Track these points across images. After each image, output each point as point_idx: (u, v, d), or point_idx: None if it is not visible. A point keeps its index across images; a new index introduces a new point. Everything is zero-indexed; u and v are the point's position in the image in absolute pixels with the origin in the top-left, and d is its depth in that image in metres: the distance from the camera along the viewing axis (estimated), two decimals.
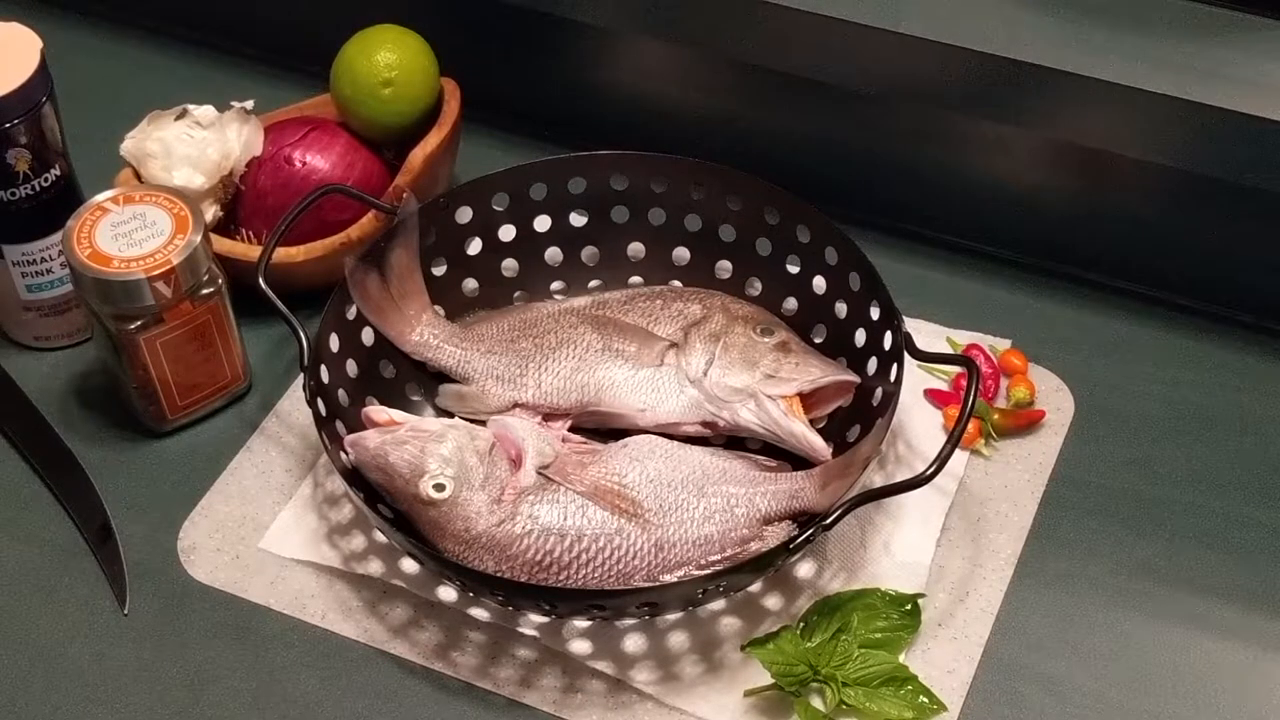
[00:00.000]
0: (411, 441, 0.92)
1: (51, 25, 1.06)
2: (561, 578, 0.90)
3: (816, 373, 0.96)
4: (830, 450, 0.95)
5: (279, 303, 0.96)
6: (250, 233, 1.08)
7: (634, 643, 0.92)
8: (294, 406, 1.03)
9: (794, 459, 0.96)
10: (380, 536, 0.96)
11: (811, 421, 0.96)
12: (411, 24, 1.11)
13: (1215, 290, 1.06)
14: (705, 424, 0.98)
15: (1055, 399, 1.02)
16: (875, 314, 0.98)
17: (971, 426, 0.98)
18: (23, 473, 1.02)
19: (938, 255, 1.11)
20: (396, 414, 0.96)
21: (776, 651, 0.88)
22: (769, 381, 0.96)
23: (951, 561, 0.95)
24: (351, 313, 1.00)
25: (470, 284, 1.06)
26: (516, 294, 1.07)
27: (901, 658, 0.90)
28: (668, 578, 0.90)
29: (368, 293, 1.00)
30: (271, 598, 0.95)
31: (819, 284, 1.02)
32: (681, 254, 1.07)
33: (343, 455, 0.94)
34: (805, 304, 1.03)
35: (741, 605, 0.93)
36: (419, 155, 1.08)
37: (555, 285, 1.07)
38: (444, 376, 1.02)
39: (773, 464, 0.96)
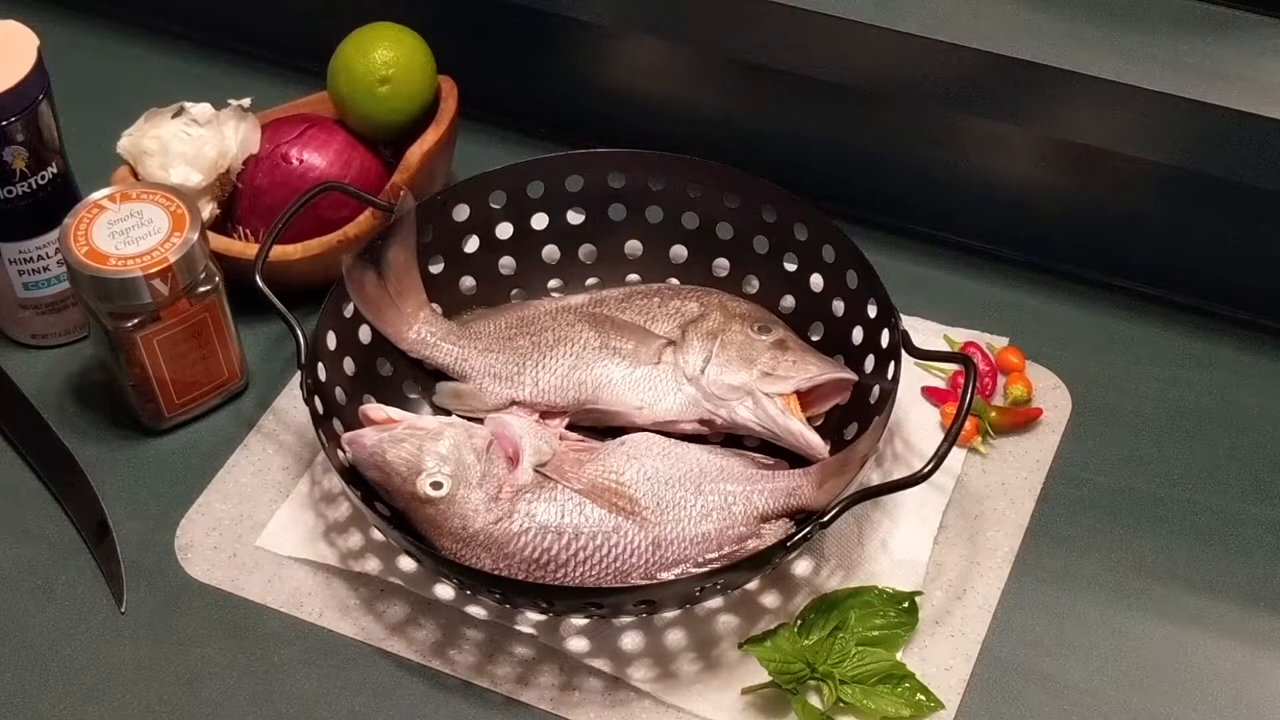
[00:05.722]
0: (409, 439, 0.92)
1: (48, 23, 1.06)
2: (559, 575, 0.90)
3: (814, 370, 0.96)
4: (828, 448, 0.95)
5: (276, 301, 0.96)
6: (247, 230, 1.08)
7: (631, 640, 0.92)
8: (291, 404, 1.03)
9: (791, 457, 0.96)
10: (377, 534, 0.96)
11: (809, 419, 0.96)
12: (409, 21, 1.11)
13: (1212, 288, 1.06)
14: (703, 422, 0.98)
15: (1052, 397, 1.02)
16: (872, 312, 0.98)
17: (969, 424, 0.98)
18: (20, 471, 1.01)
19: (935, 253, 1.11)
20: (394, 412, 0.96)
21: (774, 649, 0.88)
22: (766, 379, 0.96)
23: (949, 559, 0.95)
24: (349, 310, 1.00)
25: (468, 282, 1.06)
26: (514, 292, 1.07)
27: (899, 655, 0.90)
28: (665, 575, 0.90)
29: (365, 290, 1.00)
30: (269, 596, 0.95)
31: (816, 282, 1.02)
32: (679, 252, 1.07)
33: (340, 453, 0.94)
34: (803, 302, 1.03)
35: (739, 603, 0.93)
36: (416, 153, 1.08)
37: (553, 283, 1.07)
38: (441, 374, 1.02)
39: (770, 462, 0.96)
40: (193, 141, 1.05)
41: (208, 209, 1.06)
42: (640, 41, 1.14)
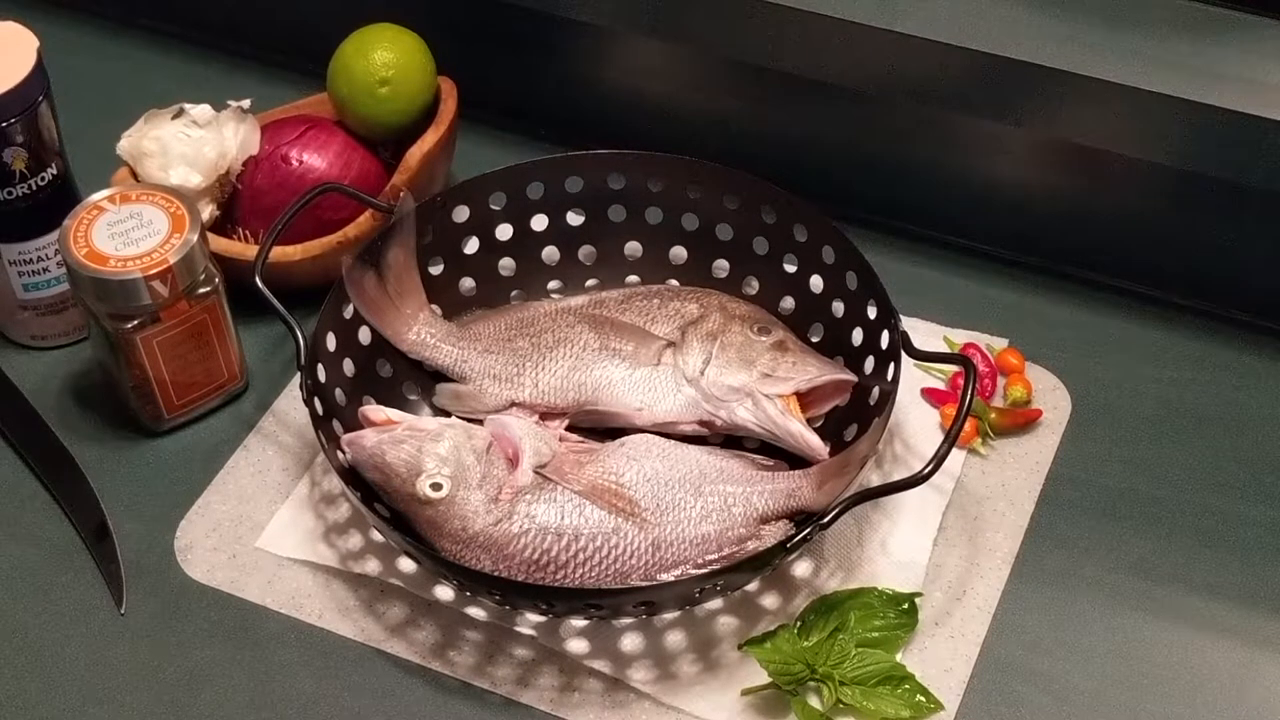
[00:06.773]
0: (408, 440, 0.92)
1: (48, 24, 1.06)
2: (559, 577, 0.90)
3: (813, 371, 0.96)
4: (827, 449, 0.95)
5: (276, 302, 0.96)
6: (247, 232, 1.08)
7: (631, 642, 0.92)
8: (291, 406, 1.03)
9: (791, 458, 0.96)
10: (377, 536, 0.96)
11: (809, 420, 0.96)
12: (408, 23, 1.11)
13: (1212, 289, 1.06)
14: (702, 423, 0.98)
15: (1052, 398, 1.02)
16: (872, 313, 0.98)
17: (968, 425, 0.98)
18: (19, 472, 1.01)
19: (935, 254, 1.11)
20: (394, 413, 0.96)
21: (774, 650, 0.88)
22: (766, 380, 0.96)
23: (948, 560, 0.95)
24: (348, 312, 1.00)
25: (467, 283, 1.06)
26: (514, 293, 1.07)
27: (899, 656, 0.90)
28: (665, 577, 0.90)
29: (365, 292, 1.00)
30: (268, 597, 0.95)
31: (816, 283, 1.02)
32: (679, 253, 1.07)
33: (340, 454, 0.94)
34: (802, 303, 1.03)
35: (739, 604, 0.93)
36: (416, 154, 1.08)
37: (552, 284, 1.07)
38: (441, 375, 1.02)
39: (770, 463, 0.96)
40: (192, 143, 1.05)
41: (207, 210, 1.06)
42: (640, 41, 1.14)
